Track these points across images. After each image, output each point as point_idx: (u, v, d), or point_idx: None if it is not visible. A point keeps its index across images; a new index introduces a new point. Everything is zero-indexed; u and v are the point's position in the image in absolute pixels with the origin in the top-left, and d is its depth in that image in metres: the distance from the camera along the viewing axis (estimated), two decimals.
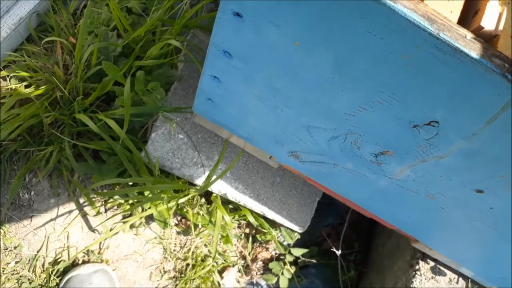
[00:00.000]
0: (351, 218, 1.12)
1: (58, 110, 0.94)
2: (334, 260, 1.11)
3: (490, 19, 0.44)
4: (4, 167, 0.98)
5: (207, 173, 0.93)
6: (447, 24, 0.41)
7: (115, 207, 1.03)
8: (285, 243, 1.09)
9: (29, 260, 0.99)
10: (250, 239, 1.11)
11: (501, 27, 0.44)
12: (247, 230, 1.11)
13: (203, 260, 1.06)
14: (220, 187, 0.95)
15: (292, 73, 0.58)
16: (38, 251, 0.99)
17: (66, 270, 0.99)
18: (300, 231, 1.02)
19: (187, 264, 1.06)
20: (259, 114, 0.71)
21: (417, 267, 0.91)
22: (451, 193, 0.64)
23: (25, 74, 0.94)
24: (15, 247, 0.98)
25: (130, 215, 1.01)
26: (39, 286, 0.98)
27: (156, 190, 0.94)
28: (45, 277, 0.98)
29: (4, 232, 0.98)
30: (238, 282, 1.11)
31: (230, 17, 0.54)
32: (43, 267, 0.99)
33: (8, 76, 0.96)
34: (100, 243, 1.02)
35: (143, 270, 1.05)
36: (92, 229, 1.02)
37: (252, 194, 0.97)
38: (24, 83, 0.95)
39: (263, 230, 1.05)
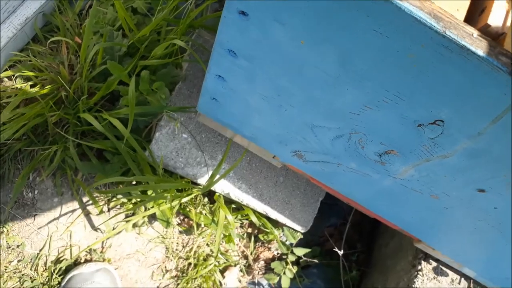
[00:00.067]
0: (354, 218, 1.12)
1: (63, 110, 0.95)
2: (336, 260, 1.12)
3: (497, 17, 0.44)
4: (8, 166, 0.99)
5: (210, 172, 0.94)
6: (454, 22, 0.42)
7: (118, 206, 1.03)
8: (287, 243, 1.09)
9: (31, 259, 0.99)
10: (253, 238, 1.11)
11: (508, 25, 0.44)
12: (249, 230, 1.11)
13: (205, 260, 1.06)
14: (223, 187, 0.96)
15: (297, 71, 0.58)
16: (40, 250, 0.99)
17: (68, 269, 0.99)
18: (302, 231, 1.02)
19: (189, 264, 1.06)
20: (263, 113, 0.71)
21: (419, 267, 0.91)
22: (455, 192, 0.64)
23: (30, 73, 0.94)
24: (17, 246, 0.98)
25: (133, 214, 1.02)
26: (41, 285, 0.98)
27: (159, 189, 0.94)
28: (47, 276, 0.98)
29: (7, 230, 0.98)
30: (240, 281, 1.11)
31: (236, 16, 0.54)
32: (45, 266, 0.99)
33: (13, 75, 0.97)
34: (103, 242, 1.02)
35: (145, 269, 1.05)
36: (95, 228, 1.02)
37: (255, 193, 0.97)
38: (30, 83, 0.96)
39: (266, 229, 1.06)
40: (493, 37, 0.45)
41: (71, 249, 1.00)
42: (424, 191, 0.68)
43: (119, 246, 1.04)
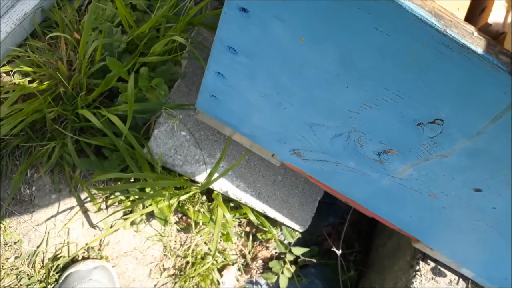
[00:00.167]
0: (352, 218, 1.12)
1: (61, 106, 0.94)
2: (334, 260, 1.11)
3: (497, 16, 0.44)
4: (6, 162, 0.98)
5: (208, 170, 0.93)
6: (454, 21, 0.41)
7: (116, 204, 1.03)
8: (285, 242, 1.09)
9: (28, 256, 0.98)
10: (251, 237, 1.11)
11: (508, 24, 0.44)
12: (247, 229, 1.11)
13: (203, 258, 1.06)
14: (221, 185, 0.95)
15: (296, 69, 0.58)
16: (38, 247, 0.99)
17: (65, 266, 0.99)
18: (301, 230, 1.02)
19: (187, 262, 1.06)
20: (263, 111, 0.71)
21: (417, 267, 0.91)
22: (454, 192, 0.64)
23: (28, 69, 0.94)
24: (15, 242, 0.98)
25: (131, 212, 1.01)
26: (38, 282, 0.98)
27: (158, 186, 0.94)
28: (45, 273, 0.98)
29: (5, 227, 0.98)
30: (238, 280, 1.10)
31: (236, 13, 0.54)
32: (42, 263, 0.99)
33: (12, 71, 0.96)
34: (100, 239, 1.02)
35: (142, 267, 1.05)
36: (92, 226, 1.02)
37: (254, 192, 0.97)
38: (28, 78, 0.95)
39: (264, 228, 1.05)
40: (494, 36, 0.45)
41: (68, 246, 1.00)
42: (422, 190, 0.68)
43: (116, 243, 1.03)
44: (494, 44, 0.42)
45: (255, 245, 1.12)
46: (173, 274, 1.06)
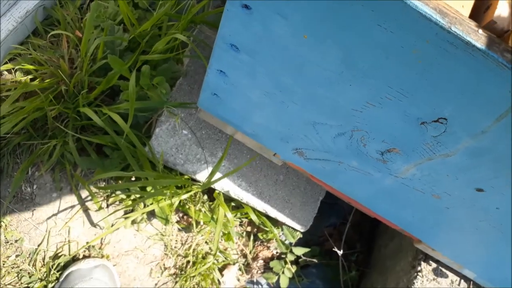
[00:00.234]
0: (354, 218, 1.11)
1: (63, 104, 0.94)
2: (335, 260, 1.11)
3: (502, 14, 0.44)
4: (7, 160, 0.98)
5: (210, 169, 0.93)
6: (459, 18, 0.41)
7: (117, 203, 1.03)
8: (286, 242, 1.09)
9: (29, 254, 0.98)
10: (252, 237, 1.10)
11: None
12: (248, 228, 1.11)
13: (203, 258, 1.06)
14: (223, 184, 0.95)
15: (299, 67, 0.57)
16: (39, 245, 0.99)
17: (66, 265, 0.99)
18: (302, 230, 1.01)
19: (188, 261, 1.06)
20: (265, 109, 0.71)
21: (419, 268, 0.90)
22: (457, 192, 0.63)
23: (30, 67, 0.94)
24: (16, 241, 0.98)
25: (132, 210, 1.01)
26: (39, 280, 0.98)
27: (159, 185, 0.93)
28: (45, 271, 0.98)
29: (6, 225, 0.98)
30: (238, 280, 1.10)
31: (239, 9, 0.54)
32: (43, 261, 0.99)
33: (13, 69, 0.96)
34: (101, 238, 1.02)
35: (143, 266, 1.04)
36: (93, 224, 1.01)
37: (255, 192, 0.96)
38: (30, 76, 0.95)
39: (265, 228, 1.05)
40: (499, 34, 0.44)
41: (69, 245, 1.00)
42: (425, 190, 0.67)
43: (117, 242, 1.03)
44: (499, 42, 0.42)
45: (256, 245, 1.12)
46: (174, 274, 1.06)
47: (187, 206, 1.02)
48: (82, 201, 1.01)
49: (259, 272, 1.11)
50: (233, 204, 1.04)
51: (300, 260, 1.10)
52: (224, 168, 0.94)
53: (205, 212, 1.02)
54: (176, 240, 1.07)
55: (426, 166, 0.62)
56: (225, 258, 1.08)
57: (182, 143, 0.92)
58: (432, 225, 0.76)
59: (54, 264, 0.98)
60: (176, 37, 0.92)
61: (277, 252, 1.12)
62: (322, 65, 0.54)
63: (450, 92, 0.48)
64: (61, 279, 0.96)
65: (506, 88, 0.44)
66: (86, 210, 1.01)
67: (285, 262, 1.08)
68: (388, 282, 0.99)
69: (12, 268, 0.97)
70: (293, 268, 1.08)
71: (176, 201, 0.97)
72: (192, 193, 0.97)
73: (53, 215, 1.00)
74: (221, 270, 1.08)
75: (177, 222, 1.07)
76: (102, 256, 1.01)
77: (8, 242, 0.97)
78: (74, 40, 0.96)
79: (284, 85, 0.62)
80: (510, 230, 0.65)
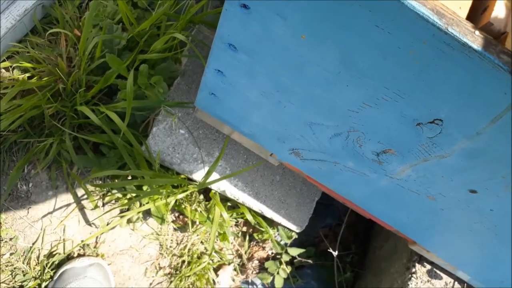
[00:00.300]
0: (349, 220, 1.12)
1: (60, 102, 0.94)
2: (330, 261, 1.11)
3: (499, 16, 0.44)
4: (3, 157, 0.98)
5: (206, 169, 0.93)
6: (456, 19, 0.42)
7: (113, 202, 1.03)
8: (282, 243, 1.09)
9: (24, 252, 0.98)
10: (247, 237, 1.11)
11: (509, 25, 0.44)
12: (244, 229, 1.11)
13: (199, 258, 1.06)
14: (219, 184, 0.95)
15: (297, 67, 0.58)
16: (33, 243, 0.98)
17: (61, 263, 0.99)
18: (297, 231, 1.01)
19: (183, 261, 1.06)
20: (262, 109, 0.71)
21: (413, 270, 0.91)
22: (452, 194, 0.64)
23: (28, 65, 0.94)
24: (10, 239, 0.98)
25: (128, 209, 1.01)
26: (33, 279, 0.97)
27: (155, 184, 0.93)
28: (40, 270, 0.97)
29: (1, 223, 0.97)
30: (233, 280, 1.10)
31: (237, 9, 0.54)
32: (37, 260, 0.98)
33: (11, 66, 0.96)
34: (97, 237, 1.02)
35: (138, 265, 1.04)
36: (89, 223, 1.01)
37: (251, 192, 0.96)
38: (27, 74, 0.95)
39: (261, 228, 1.05)
40: (495, 36, 0.45)
41: (64, 244, 1.00)
42: (420, 191, 0.68)
43: (113, 241, 1.03)
44: (496, 44, 0.42)
45: (251, 245, 1.12)
46: (168, 273, 1.06)
47: (183, 206, 1.02)
48: (78, 200, 1.01)
49: (254, 272, 1.11)
50: (229, 204, 1.04)
51: (295, 260, 1.10)
52: (220, 168, 0.94)
53: (201, 211, 1.02)
54: (172, 240, 1.07)
55: (421, 167, 0.62)
56: (220, 258, 1.08)
57: (179, 143, 0.93)
58: (427, 226, 0.76)
59: (48, 262, 0.97)
60: (174, 37, 0.92)
61: (272, 253, 1.13)
62: (319, 65, 0.55)
63: (446, 93, 0.48)
64: (55, 278, 0.95)
65: (501, 89, 0.44)
66: (82, 209, 1.01)
67: (280, 263, 1.09)
68: (382, 283, 1.00)
69: (6, 266, 0.96)
70: (288, 269, 1.08)
71: (172, 200, 0.97)
72: (188, 192, 0.98)
73: (49, 213, 1.00)
74: (216, 270, 1.08)
75: (173, 221, 1.07)
76: (97, 255, 1.01)
77: (2, 240, 0.97)
78: (72, 38, 0.96)
79: (281, 85, 0.63)
80: (504, 232, 0.65)
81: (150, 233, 1.05)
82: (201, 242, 1.07)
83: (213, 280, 1.06)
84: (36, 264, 0.98)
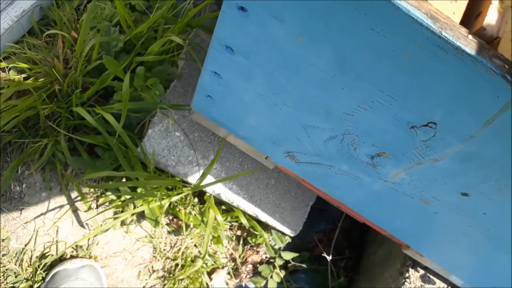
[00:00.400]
0: (343, 224, 1.12)
1: (56, 103, 0.94)
2: (324, 266, 1.11)
3: (492, 21, 0.45)
4: None
5: (201, 172, 0.93)
6: (450, 23, 0.42)
7: (107, 204, 1.02)
8: (276, 247, 1.09)
9: (16, 253, 0.97)
10: (241, 241, 1.10)
11: (502, 30, 0.45)
12: (238, 232, 1.11)
13: (192, 261, 1.06)
14: (214, 187, 0.95)
15: (293, 70, 0.58)
16: (26, 245, 0.98)
17: (53, 265, 0.98)
18: (292, 235, 1.02)
19: (176, 264, 1.06)
20: (258, 112, 0.72)
21: (407, 274, 0.91)
22: (445, 197, 0.64)
23: (24, 66, 0.94)
24: (3, 240, 0.97)
25: (122, 212, 1.01)
26: (24, 280, 0.96)
27: (149, 186, 0.93)
28: (32, 271, 0.97)
29: None
30: (227, 284, 1.10)
31: (235, 12, 0.55)
32: (30, 261, 0.98)
33: (7, 67, 0.96)
34: (90, 239, 1.01)
35: (131, 268, 1.04)
36: (82, 225, 1.01)
37: (246, 195, 0.97)
38: (23, 75, 0.95)
39: (255, 232, 1.05)
40: (488, 41, 0.45)
41: (57, 245, 0.99)
42: (414, 195, 0.68)
43: (106, 244, 1.03)
44: (488, 48, 0.43)
45: (245, 249, 1.12)
46: (162, 276, 1.05)
47: (177, 209, 1.02)
48: (71, 201, 1.00)
49: (248, 276, 1.11)
50: (223, 207, 1.04)
51: (289, 265, 1.10)
52: (215, 171, 0.94)
53: (195, 214, 1.02)
54: (165, 243, 1.06)
55: (415, 171, 0.63)
56: (214, 262, 1.08)
57: (174, 145, 0.93)
58: (420, 230, 0.76)
59: (40, 264, 0.97)
60: (171, 40, 0.92)
61: (266, 257, 1.12)
62: (315, 68, 0.55)
63: (440, 97, 0.49)
64: (47, 279, 0.95)
65: (494, 93, 0.45)
66: (75, 211, 1.01)
67: (274, 267, 1.09)
68: None
69: None
70: (282, 273, 1.08)
71: (166, 203, 0.97)
72: (182, 195, 0.98)
73: (42, 214, 0.99)
74: (210, 273, 1.08)
75: (167, 224, 1.07)
76: (90, 257, 1.00)
77: None
78: (69, 40, 0.96)
79: (277, 88, 0.63)
80: (496, 236, 0.66)
81: (144, 236, 1.04)
82: (195, 245, 1.07)
83: (207, 284, 1.06)
84: (28, 266, 0.97)
